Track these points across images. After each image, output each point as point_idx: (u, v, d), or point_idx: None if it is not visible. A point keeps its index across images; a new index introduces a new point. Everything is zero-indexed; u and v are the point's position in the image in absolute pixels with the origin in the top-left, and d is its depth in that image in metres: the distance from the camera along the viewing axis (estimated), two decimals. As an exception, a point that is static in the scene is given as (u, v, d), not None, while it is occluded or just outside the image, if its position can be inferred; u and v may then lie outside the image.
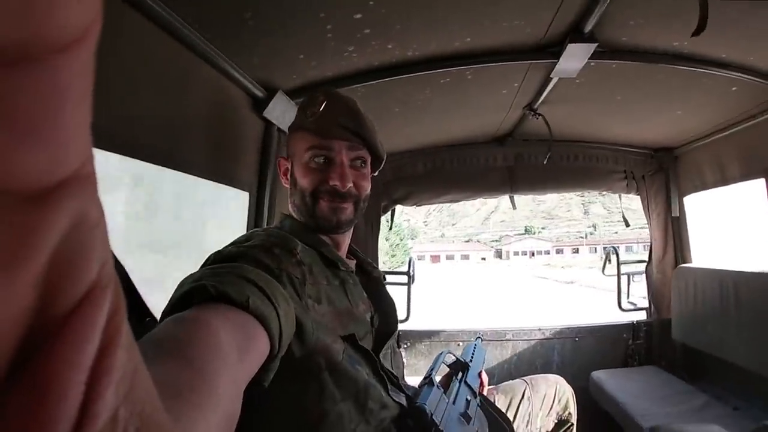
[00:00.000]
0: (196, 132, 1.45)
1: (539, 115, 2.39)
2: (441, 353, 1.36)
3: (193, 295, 0.70)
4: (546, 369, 2.99)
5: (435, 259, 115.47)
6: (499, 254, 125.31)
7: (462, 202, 3.66)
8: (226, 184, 1.69)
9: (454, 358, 1.39)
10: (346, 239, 1.27)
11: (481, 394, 1.44)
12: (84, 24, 0.17)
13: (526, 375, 1.89)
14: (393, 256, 37.67)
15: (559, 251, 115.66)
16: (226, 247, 0.95)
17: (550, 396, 1.73)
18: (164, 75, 1.27)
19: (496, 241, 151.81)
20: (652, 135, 2.87)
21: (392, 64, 1.77)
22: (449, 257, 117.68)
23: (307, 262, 1.02)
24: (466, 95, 2.18)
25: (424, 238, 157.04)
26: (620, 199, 3.29)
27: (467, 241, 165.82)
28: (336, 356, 0.96)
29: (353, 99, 1.20)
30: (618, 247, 3.97)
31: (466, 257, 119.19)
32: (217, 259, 0.89)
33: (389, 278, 3.61)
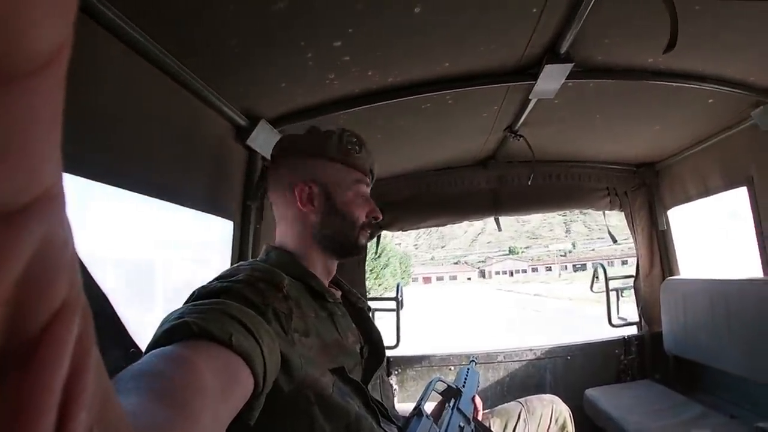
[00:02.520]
0: (179, 160, 1.44)
1: (520, 136, 2.42)
2: (432, 381, 1.34)
3: (176, 331, 0.70)
4: (539, 389, 2.96)
5: (426, 280, 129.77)
6: (482, 274, 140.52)
7: (450, 225, 3.68)
8: (211, 213, 1.67)
9: (445, 385, 1.37)
10: (335, 266, 1.28)
11: (475, 419, 1.41)
12: (54, 47, 0.18)
13: (521, 397, 1.86)
14: (387, 279, 39.50)
15: (534, 269, 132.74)
16: (211, 281, 0.94)
17: (547, 416, 1.70)
18: (147, 103, 1.27)
19: (482, 261, 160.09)
20: (633, 151, 2.91)
21: (373, 91, 1.79)
22: (439, 278, 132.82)
23: (294, 296, 1.01)
24: (448, 120, 2.20)
25: (416, 261, 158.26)
26: (604, 216, 3.31)
27: (456, 263, 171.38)
28: (326, 390, 0.95)
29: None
30: (611, 262, 3.99)
31: (454, 278, 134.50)
32: (201, 295, 0.88)
33: (378, 304, 3.61)
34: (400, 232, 3.32)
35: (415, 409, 1.19)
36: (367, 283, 3.34)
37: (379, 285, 36.08)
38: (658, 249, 3.12)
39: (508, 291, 55.19)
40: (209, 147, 1.62)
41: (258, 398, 0.75)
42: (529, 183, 2.91)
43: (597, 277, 3.42)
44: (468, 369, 1.52)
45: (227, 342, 0.69)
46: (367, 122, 2.04)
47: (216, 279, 0.95)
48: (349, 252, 1.23)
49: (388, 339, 3.28)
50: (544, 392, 2.92)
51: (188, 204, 1.52)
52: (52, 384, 0.20)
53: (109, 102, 1.11)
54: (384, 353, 1.24)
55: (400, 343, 3.18)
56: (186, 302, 0.87)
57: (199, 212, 1.60)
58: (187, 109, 1.46)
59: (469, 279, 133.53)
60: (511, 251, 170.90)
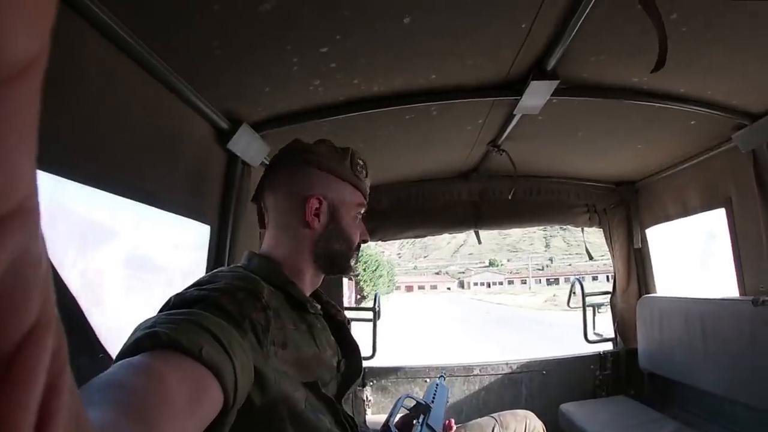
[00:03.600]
0: (157, 162, 1.41)
1: (503, 151, 2.43)
2: (400, 397, 1.32)
3: (145, 341, 0.68)
4: (515, 403, 2.96)
5: (409, 288, 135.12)
6: (461, 284, 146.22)
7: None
8: (188, 217, 1.64)
9: (414, 401, 1.36)
10: (320, 281, 1.26)
11: None
12: (31, 55, 0.17)
13: (495, 410, 1.85)
14: (376, 286, 47.48)
15: (510, 282, 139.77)
16: (188, 288, 0.91)
17: (521, 431, 1.70)
18: (127, 103, 1.24)
19: (462, 273, 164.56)
20: (614, 169, 2.94)
21: (357, 99, 1.78)
22: (421, 287, 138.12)
23: (274, 306, 0.98)
24: (431, 131, 2.20)
25: (399, 270, 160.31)
26: (582, 232, 3.34)
27: (437, 273, 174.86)
28: (298, 405, 0.93)
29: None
30: (582, 278, 4.03)
31: (434, 287, 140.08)
32: (176, 303, 0.86)
33: (355, 314, 3.58)
34: (382, 241, 3.32)
35: (384, 426, 1.18)
36: (365, 288, 3.34)
37: (374, 289, 43.39)
38: (635, 266, 3.15)
39: (479, 300, 65.73)
40: (188, 149, 1.59)
41: (229, 413, 0.73)
42: (510, 197, 2.91)
43: (574, 293, 3.44)
44: (437, 384, 1.50)
45: (197, 354, 0.67)
46: (351, 130, 2.03)
47: (193, 286, 0.93)
48: (341, 271, 1.23)
49: (364, 349, 3.29)
50: (520, 406, 2.92)
51: (165, 207, 1.49)
52: (28, 402, 0.19)
53: (89, 101, 1.08)
54: (361, 368, 1.23)
55: (376, 354, 3.16)
56: (161, 310, 0.85)
57: (175, 216, 1.56)
58: (167, 109, 1.43)
59: (449, 289, 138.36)
60: (491, 263, 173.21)
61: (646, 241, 3.13)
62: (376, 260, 53.22)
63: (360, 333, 3.24)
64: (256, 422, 0.86)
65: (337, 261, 1.20)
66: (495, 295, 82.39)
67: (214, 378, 0.68)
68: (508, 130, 2.14)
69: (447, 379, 2.98)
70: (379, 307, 3.50)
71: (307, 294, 1.19)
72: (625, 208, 3.16)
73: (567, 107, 1.93)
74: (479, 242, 3.39)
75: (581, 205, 3.18)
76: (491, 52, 1.53)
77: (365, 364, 3.05)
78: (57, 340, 0.21)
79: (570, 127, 2.20)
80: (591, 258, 3.37)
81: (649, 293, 3.07)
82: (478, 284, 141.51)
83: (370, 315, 3.33)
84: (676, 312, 2.61)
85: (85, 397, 0.52)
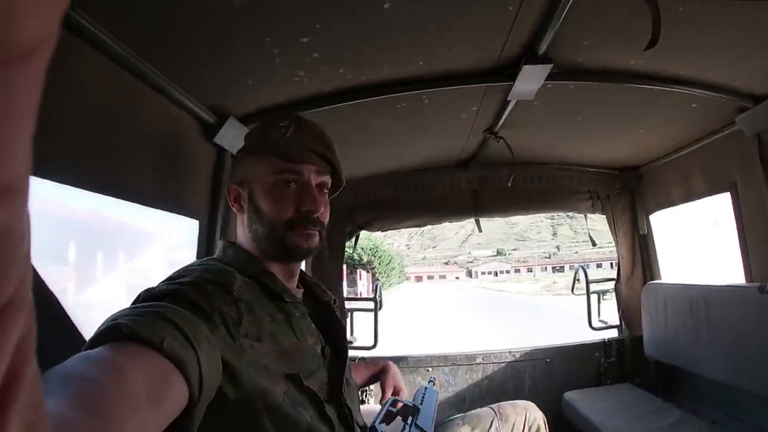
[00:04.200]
0: (144, 160, 1.40)
1: (500, 138, 2.38)
2: (387, 401, 1.29)
3: (107, 333, 0.67)
4: (518, 392, 2.95)
5: (418, 279, 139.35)
6: (469, 274, 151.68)
7: (442, 226, 3.68)
8: (176, 213, 1.63)
9: (401, 404, 1.33)
10: (298, 266, 1.21)
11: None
12: (38, 39, 0.18)
13: (500, 399, 1.83)
14: (389, 277, 53.78)
15: (516, 270, 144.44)
16: (160, 283, 0.90)
17: (520, 424, 1.65)
18: (112, 103, 1.23)
19: (470, 262, 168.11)
20: (615, 154, 2.88)
21: (345, 90, 1.74)
22: (430, 277, 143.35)
23: (247, 298, 0.96)
24: (425, 120, 2.15)
25: (408, 261, 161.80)
26: (586, 219, 3.29)
27: (446, 263, 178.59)
28: (275, 399, 0.90)
29: (319, 124, 1.17)
30: (587, 265, 3.98)
31: (443, 277, 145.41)
32: (146, 297, 0.84)
33: (356, 304, 3.57)
34: (382, 232, 3.30)
35: (370, 428, 1.15)
36: (380, 279, 3.32)
37: (388, 281, 51.61)
38: (640, 253, 3.10)
39: (483, 288, 71.88)
40: (175, 145, 1.58)
41: (195, 407, 0.71)
42: (509, 185, 2.87)
43: (578, 280, 3.40)
44: (426, 388, 1.47)
45: (158, 346, 0.66)
46: (343, 121, 1.99)
47: (165, 280, 0.92)
48: (284, 254, 1.11)
49: (366, 339, 3.28)
50: (523, 395, 2.90)
51: (152, 203, 1.48)
52: None
53: (73, 102, 1.08)
54: (346, 351, 1.19)
55: (378, 344, 3.15)
56: (132, 304, 0.83)
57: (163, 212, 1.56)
58: (153, 107, 1.42)
59: (457, 278, 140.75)
60: (499, 253, 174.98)
61: (651, 227, 3.07)
62: (389, 254, 57.24)
63: (364, 324, 3.26)
64: (231, 416, 0.85)
65: (268, 243, 1.10)
66: (500, 283, 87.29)
67: (177, 371, 0.67)
68: (504, 116, 2.09)
69: (450, 368, 2.99)
70: (380, 297, 3.48)
71: (288, 281, 1.16)
72: (629, 194, 3.10)
73: (563, 92, 1.88)
74: (480, 230, 3.36)
75: (583, 191, 3.12)
76: (478, 37, 1.47)
77: (367, 354, 3.05)
78: (27, 325, 0.21)
79: (568, 112, 2.14)
80: (594, 244, 3.31)
81: (654, 280, 3.02)
82: (486, 273, 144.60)
83: (371, 305, 3.36)
84: (681, 299, 2.56)
85: (44, 387, 0.51)
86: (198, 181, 1.73)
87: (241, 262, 1.07)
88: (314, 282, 1.28)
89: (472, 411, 1.70)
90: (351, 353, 3.21)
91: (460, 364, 3.02)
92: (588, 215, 3.25)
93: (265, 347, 0.94)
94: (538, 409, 1.72)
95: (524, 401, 1.76)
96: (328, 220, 1.18)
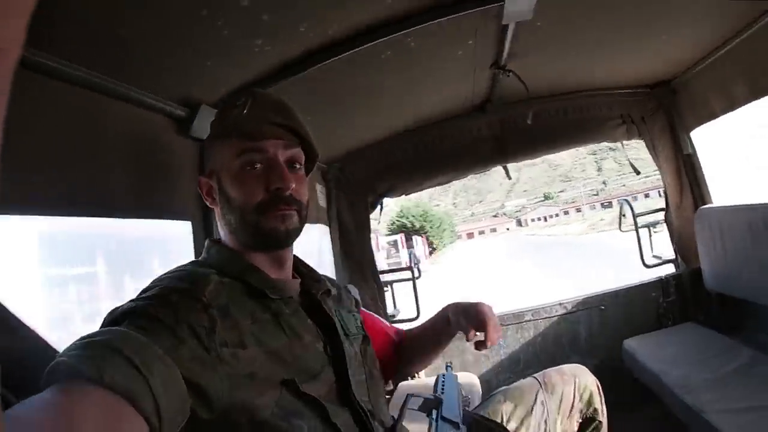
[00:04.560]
0: (120, 173, 1.29)
1: (509, 71, 2.13)
2: (405, 399, 1.14)
3: (52, 373, 0.64)
4: (574, 346, 2.77)
5: (470, 235, 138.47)
6: (519, 223, 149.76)
7: (485, 178, 3.51)
8: (165, 219, 1.54)
9: (421, 399, 1.17)
10: (289, 255, 1.10)
11: (473, 417, 1.20)
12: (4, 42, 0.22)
13: (554, 357, 1.67)
14: (442, 239, 59.08)
15: (566, 212, 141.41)
16: (128, 301, 0.82)
17: (569, 394, 1.44)
18: (72, 123, 1.14)
19: (518, 211, 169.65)
20: (642, 70, 2.58)
21: (316, 49, 1.55)
22: (481, 232, 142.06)
23: (220, 303, 0.86)
24: (419, 68, 1.95)
25: (457, 219, 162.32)
26: (623, 147, 2.96)
27: (494, 216, 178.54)
28: (261, 413, 0.82)
29: (277, 94, 1.07)
30: (635, 197, 3.68)
31: (494, 230, 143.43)
32: (106, 321, 0.79)
33: (393, 276, 3.44)
34: (405, 195, 3.18)
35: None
36: (434, 242, 3.21)
37: (441, 243, 57.26)
38: (686, 176, 2.78)
39: (532, 235, 75.92)
40: (151, 149, 1.46)
41: None
42: (529, 122, 2.60)
43: (624, 215, 3.14)
44: (443, 375, 1.30)
45: (100, 381, 0.61)
46: (327, 85, 1.81)
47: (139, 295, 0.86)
48: (262, 242, 1.01)
49: (407, 311, 3.16)
50: (579, 348, 2.72)
51: (139, 215, 1.40)
52: None
53: (33, 133, 1.01)
54: (341, 346, 1.05)
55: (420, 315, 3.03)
56: (101, 325, 0.79)
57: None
58: (117, 115, 1.29)
59: (508, 229, 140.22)
60: (546, 197, 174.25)
61: (694, 146, 2.74)
62: (439, 217, 61.71)
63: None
64: None
65: (243, 233, 1.01)
66: (549, 228, 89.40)
67: (127, 404, 0.63)
68: (507, 46, 1.86)
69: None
70: (417, 263, 3.32)
71: (281, 274, 1.06)
72: (665, 113, 2.77)
73: (566, 6, 1.65)
74: (509, 178, 3.20)
75: (615, 117, 2.80)
76: None
77: (409, 326, 2.92)
78: None
79: (578, 29, 1.89)
80: (637, 173, 2.99)
81: (705, 204, 2.71)
82: (535, 220, 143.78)
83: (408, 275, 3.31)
84: (738, 222, 2.27)
85: None
86: (182, 180, 1.60)
87: (223, 261, 1.00)
88: (309, 271, 1.16)
89: (514, 384, 1.50)
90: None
91: (508, 324, 2.84)
92: (625, 143, 2.92)
93: (252, 353, 0.85)
94: (588, 373, 1.50)
95: (573, 366, 1.53)
96: (307, 197, 1.07)
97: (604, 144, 3.12)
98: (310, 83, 1.67)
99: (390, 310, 3.23)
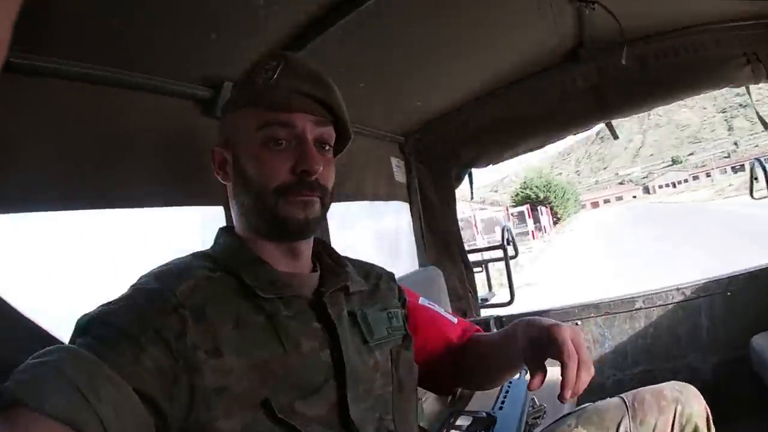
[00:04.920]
0: (147, 163, 1.28)
1: (594, 3, 1.79)
2: (450, 414, 0.92)
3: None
4: (693, 339, 2.31)
5: (594, 205, 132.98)
6: (646, 190, 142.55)
7: (608, 144, 3.15)
8: (195, 205, 1.48)
9: (470, 418, 0.94)
10: (307, 245, 0.93)
11: None
12: None
13: (669, 351, 1.49)
14: (566, 209, 59.07)
15: (695, 178, 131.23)
16: (98, 306, 0.74)
17: (665, 424, 1.08)
18: (98, 122, 1.15)
19: (645, 177, 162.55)
20: None
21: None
22: (606, 201, 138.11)
23: (195, 303, 0.74)
24: (483, 10, 1.71)
25: (580, 188, 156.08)
26: (749, 93, 2.41)
27: (620, 183, 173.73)
28: None
29: (314, 61, 0.90)
30: (760, 159, 3.07)
31: (620, 198, 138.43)
32: (75, 327, 0.72)
33: (483, 255, 3.19)
34: (493, 165, 2.90)
35: None
36: (558, 212, 2.96)
37: (566, 213, 57.54)
38: None
39: (659, 203, 68.43)
40: (176, 135, 1.41)
41: None
42: (623, 62, 2.12)
43: (756, 178, 2.62)
44: (510, 383, 1.04)
45: (42, 409, 0.56)
46: (370, 47, 1.63)
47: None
48: (276, 231, 0.87)
49: (502, 296, 2.91)
50: (700, 340, 2.32)
51: (171, 203, 1.40)
52: None
53: (59, 135, 1.05)
54: (341, 358, 0.85)
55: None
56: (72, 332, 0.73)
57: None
58: (138, 105, 1.27)
59: (634, 197, 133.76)
60: (674, 161, 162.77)
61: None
62: (562, 187, 61.60)
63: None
64: None
65: (257, 217, 0.87)
66: (677, 195, 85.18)
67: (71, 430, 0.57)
68: None
69: (604, 318, 2.45)
70: (512, 240, 3.04)
71: (297, 267, 0.91)
72: None
73: None
74: (615, 137, 2.80)
75: (737, 55, 2.23)
76: None
77: (503, 312, 2.67)
78: None
79: None
80: (766, 125, 2.44)
81: None
82: (663, 186, 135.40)
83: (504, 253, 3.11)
84: None
85: None
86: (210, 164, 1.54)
87: (229, 252, 0.88)
88: (334, 262, 0.98)
89: (594, 405, 1.17)
90: (486, 312, 2.82)
91: (616, 312, 2.44)
92: (751, 87, 2.37)
93: (229, 363, 0.73)
94: (697, 397, 1.11)
95: (676, 386, 1.14)
96: (332, 183, 0.91)
97: (734, 100, 2.58)
98: (343, 43, 1.50)
99: (483, 293, 2.99)
